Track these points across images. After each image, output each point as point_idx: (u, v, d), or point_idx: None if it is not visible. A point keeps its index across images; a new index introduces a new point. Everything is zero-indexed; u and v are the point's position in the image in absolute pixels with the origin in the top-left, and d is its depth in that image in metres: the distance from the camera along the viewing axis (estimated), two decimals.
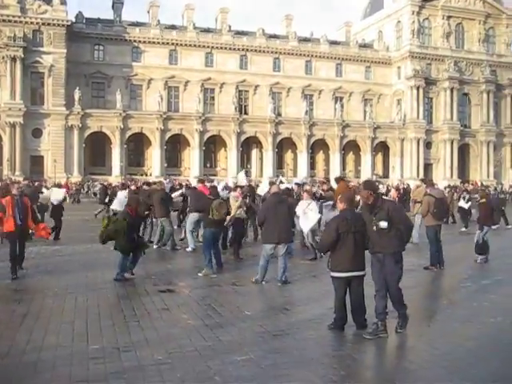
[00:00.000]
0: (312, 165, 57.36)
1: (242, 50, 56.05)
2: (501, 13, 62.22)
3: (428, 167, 59.11)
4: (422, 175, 55.83)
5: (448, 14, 59.74)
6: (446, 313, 6.99)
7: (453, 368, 4.92)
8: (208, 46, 54.99)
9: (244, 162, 55.83)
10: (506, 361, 5.19)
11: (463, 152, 60.61)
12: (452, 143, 58.72)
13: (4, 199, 8.97)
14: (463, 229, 18.53)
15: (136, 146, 53.32)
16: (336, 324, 6.14)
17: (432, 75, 59.28)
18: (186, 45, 54.35)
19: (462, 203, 19.81)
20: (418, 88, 57.83)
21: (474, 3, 60.78)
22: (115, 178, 45.78)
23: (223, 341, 5.59)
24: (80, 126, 48.98)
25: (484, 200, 12.07)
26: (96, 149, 51.43)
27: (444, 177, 56.71)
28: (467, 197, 20.44)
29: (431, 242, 10.47)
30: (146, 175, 49.76)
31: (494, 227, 16.36)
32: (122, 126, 49.90)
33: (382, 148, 59.60)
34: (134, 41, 53.15)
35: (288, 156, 58.09)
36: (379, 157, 60.63)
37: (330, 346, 5.64)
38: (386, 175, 58.14)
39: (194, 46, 54.56)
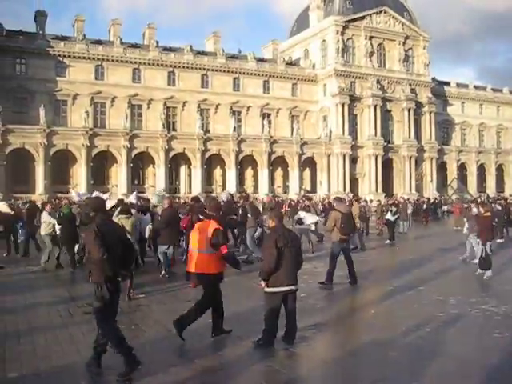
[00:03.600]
0: (241, 181, 62.42)
1: (170, 66, 60.94)
2: (418, 35, 70.95)
3: (354, 182, 66.37)
4: (348, 190, 64.15)
5: (370, 35, 67.75)
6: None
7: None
8: (135, 62, 59.49)
9: (172, 178, 60.46)
10: None
11: (387, 167, 68.01)
12: (376, 158, 66.16)
13: None
14: (388, 241, 20.94)
15: (61, 163, 55.14)
16: (267, 339, 6.78)
17: (356, 92, 66.79)
18: (112, 60, 58.39)
19: (389, 216, 22.18)
20: (343, 105, 64.95)
21: (393, 25, 69.58)
22: (39, 195, 48.07)
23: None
24: (0, 142, 50.73)
25: (488, 214, 13.35)
26: (18, 166, 52.67)
27: (369, 191, 64.90)
28: (394, 210, 22.80)
29: (332, 258, 11.39)
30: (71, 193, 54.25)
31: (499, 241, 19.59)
32: (46, 143, 52.40)
33: (310, 163, 65.85)
34: (59, 55, 56.46)
35: (217, 172, 63.15)
36: (307, 172, 66.98)
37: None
38: (313, 190, 64.03)
39: (121, 61, 58.72)
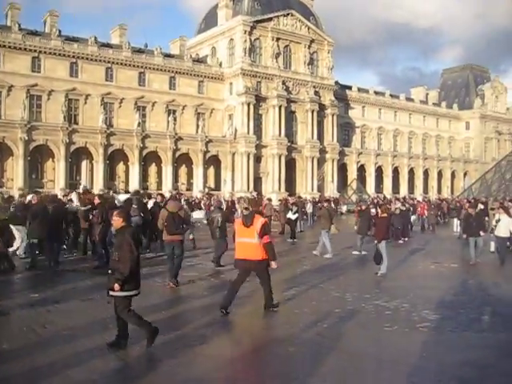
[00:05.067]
0: (144, 177, 62.33)
1: (73, 56, 59.58)
2: (323, 39, 73.65)
3: (258, 180, 68.00)
4: (252, 188, 66.83)
5: (277, 36, 69.53)
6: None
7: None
8: (35, 50, 57.43)
9: (73, 173, 59.14)
10: None
11: (290, 166, 70.27)
12: (280, 158, 68.09)
13: None
14: (290, 239, 21.87)
15: None
16: (119, 341, 6.84)
17: (262, 93, 68.29)
18: (9, 47, 56.18)
19: (290, 215, 23.15)
20: (248, 104, 66.36)
21: (300, 28, 72.04)
22: None
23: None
24: None
25: (385, 215, 14.15)
26: None
27: (273, 190, 67.69)
28: (295, 209, 23.74)
29: (168, 258, 11.70)
30: None
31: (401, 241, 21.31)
32: None
33: (214, 161, 66.71)
34: None
35: (120, 168, 62.49)
36: (211, 170, 67.79)
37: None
38: (218, 188, 65.34)
39: (20, 48, 56.62)
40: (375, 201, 32.27)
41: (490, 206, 20.97)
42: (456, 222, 28.09)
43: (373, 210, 18.82)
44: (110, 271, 6.84)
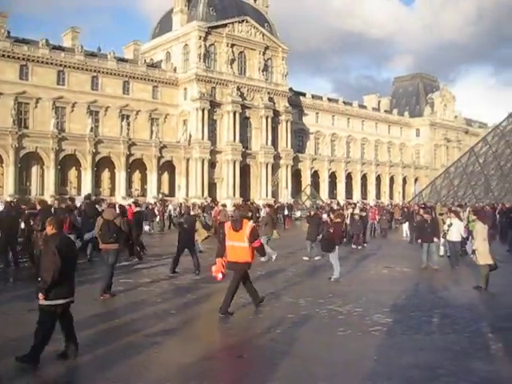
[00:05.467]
0: (97, 183, 61.32)
1: (23, 59, 58.12)
2: (277, 46, 74.26)
3: (212, 186, 67.75)
4: (206, 194, 66.79)
5: (232, 42, 69.71)
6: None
7: None
8: None
9: (23, 179, 57.64)
10: None
11: (245, 172, 70.38)
12: (234, 164, 68.11)
13: None
14: None
15: None
16: (32, 355, 6.46)
17: (217, 98, 68.36)
18: None
19: None
20: (203, 110, 66.23)
21: (254, 35, 72.31)
22: None
23: None
24: None
25: (338, 220, 14.34)
26: None
27: (227, 195, 67.92)
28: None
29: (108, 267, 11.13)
30: None
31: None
32: None
33: (169, 167, 66.26)
34: None
35: (72, 174, 61.27)
36: (165, 176, 67.27)
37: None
38: (172, 194, 65.03)
39: None
40: (328, 207, 32.56)
41: (439, 211, 21.35)
42: (405, 226, 28.75)
43: (324, 216, 18.91)
44: (39, 279, 6.72)
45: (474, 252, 12.64)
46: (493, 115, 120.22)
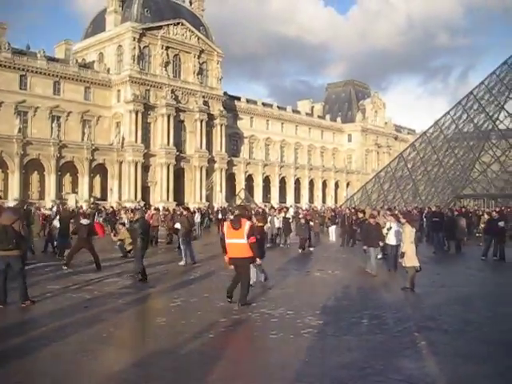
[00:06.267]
0: (25, 186, 59.50)
1: None
2: (213, 50, 74.63)
3: (146, 190, 67.15)
4: (139, 198, 65.97)
5: (167, 45, 69.43)
6: None
7: None
8: None
9: None
10: None
11: (179, 176, 70.11)
12: (168, 167, 67.93)
13: None
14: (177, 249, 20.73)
15: None
16: None
17: (151, 101, 67.89)
18: None
19: (177, 225, 21.91)
20: (136, 112, 65.63)
21: (190, 38, 72.08)
22: None
23: None
24: None
25: (261, 224, 14.54)
26: None
27: (161, 199, 67.23)
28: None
29: (0, 274, 10.57)
30: None
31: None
32: None
33: (101, 170, 65.11)
34: None
35: None
36: (97, 179, 66.14)
37: None
38: (104, 197, 63.98)
39: None
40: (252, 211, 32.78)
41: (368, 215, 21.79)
42: (332, 230, 29.48)
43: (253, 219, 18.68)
44: None
45: (402, 255, 12.99)
46: (421, 122, 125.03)
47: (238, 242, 10.32)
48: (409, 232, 13.05)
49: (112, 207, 44.65)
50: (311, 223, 29.69)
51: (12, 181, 58.31)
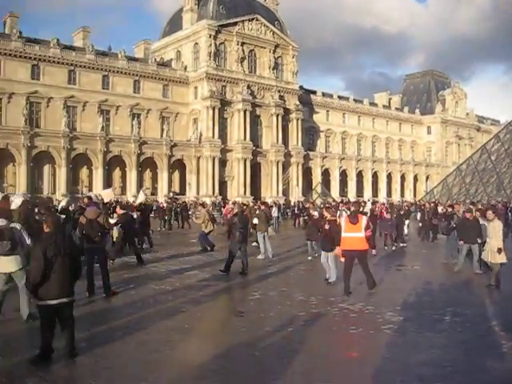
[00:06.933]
0: (108, 182, 61.01)
1: (34, 59, 58.54)
2: (288, 44, 74.41)
3: (223, 184, 68.13)
4: (217, 192, 67.12)
5: (242, 41, 69.87)
6: None
7: None
8: None
9: (35, 177, 58.01)
10: None
11: (255, 170, 70.45)
12: (245, 162, 68.32)
13: None
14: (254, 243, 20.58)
15: None
16: (42, 355, 6.50)
17: (227, 97, 68.43)
18: None
19: (255, 220, 22.45)
20: (213, 108, 66.28)
21: (265, 33, 72.40)
22: None
23: None
24: None
25: (332, 217, 13.52)
26: None
27: (238, 194, 68.07)
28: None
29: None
30: None
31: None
32: None
33: (179, 165, 66.56)
34: None
35: (83, 172, 61.62)
36: (176, 174, 67.49)
37: None
38: (182, 192, 65.38)
39: None
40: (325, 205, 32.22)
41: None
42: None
43: (315, 213, 17.90)
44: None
45: (499, 251, 12.37)
46: (506, 113, 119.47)
47: (356, 235, 11.19)
48: (498, 227, 12.56)
49: (184, 202, 45.50)
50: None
51: (96, 177, 60.68)
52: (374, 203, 31.40)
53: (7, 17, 63.71)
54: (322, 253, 13.09)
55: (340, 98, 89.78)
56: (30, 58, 59.30)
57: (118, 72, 65.11)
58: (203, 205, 27.16)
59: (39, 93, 59.78)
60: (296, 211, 41.61)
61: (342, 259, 11.54)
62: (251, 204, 30.56)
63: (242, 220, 14.12)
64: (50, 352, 6.58)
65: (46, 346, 6.54)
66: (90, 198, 16.61)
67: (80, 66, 62.55)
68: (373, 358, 6.96)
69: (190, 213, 38.96)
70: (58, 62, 61.02)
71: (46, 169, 59.79)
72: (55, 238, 6.68)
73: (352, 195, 78.46)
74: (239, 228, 13.81)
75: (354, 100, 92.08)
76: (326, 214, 13.67)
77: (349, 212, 24.58)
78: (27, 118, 56.86)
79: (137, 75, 66.50)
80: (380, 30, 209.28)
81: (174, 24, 75.39)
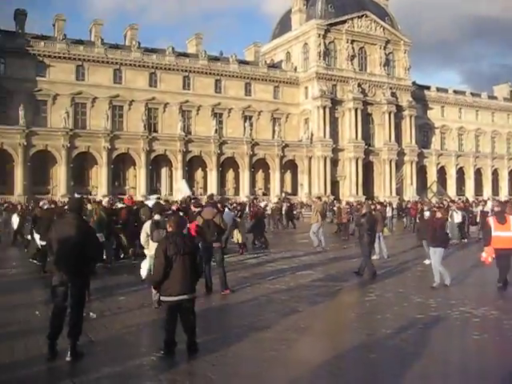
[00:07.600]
0: (222, 183, 63.16)
1: (152, 67, 61.72)
2: (399, 39, 72.67)
3: (335, 184, 67.56)
4: (329, 192, 66.70)
5: (352, 39, 69.13)
6: None
7: None
8: (116, 63, 60.17)
9: (154, 180, 60.85)
10: None
11: (368, 169, 69.50)
12: (357, 161, 67.47)
13: None
14: None
15: (40, 164, 55.13)
16: (167, 349, 6.79)
17: (338, 96, 68.00)
18: (93, 60, 59.10)
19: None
20: (324, 108, 66.19)
21: (375, 29, 71.18)
22: (18, 197, 48.94)
23: None
24: None
25: (440, 216, 13.16)
26: None
27: (350, 193, 67.13)
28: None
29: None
30: (51, 194, 52.55)
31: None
32: (26, 143, 52.63)
33: (291, 166, 66.88)
34: (39, 55, 56.77)
35: (198, 174, 63.76)
36: (288, 174, 67.99)
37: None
38: (294, 193, 65.89)
39: (102, 61, 59.42)
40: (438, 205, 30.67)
41: None
42: None
43: (426, 213, 17.40)
44: None
45: None
46: None
47: (505, 234, 11.29)
48: None
49: (290, 202, 45.31)
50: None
51: (210, 178, 62.45)
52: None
53: (128, 29, 67.29)
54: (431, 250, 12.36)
55: (456, 92, 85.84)
56: (148, 66, 62.42)
57: (229, 76, 66.77)
58: (320, 198, 27.41)
59: (156, 99, 62.70)
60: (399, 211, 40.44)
61: (490, 259, 11.55)
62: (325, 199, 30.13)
63: (369, 221, 13.70)
64: (173, 346, 6.85)
65: (169, 340, 6.82)
66: (211, 196, 16.70)
67: (194, 72, 64.93)
68: (497, 368, 6.52)
69: (294, 213, 39.12)
70: (173, 69, 63.70)
71: (164, 171, 62.43)
72: (176, 238, 6.94)
73: (470, 194, 74.67)
74: (367, 229, 13.43)
75: (471, 94, 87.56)
76: (438, 214, 13.16)
77: (458, 212, 23.50)
78: (146, 123, 59.71)
79: (248, 78, 67.73)
80: (503, 18, 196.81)
81: (284, 25, 75.93)
